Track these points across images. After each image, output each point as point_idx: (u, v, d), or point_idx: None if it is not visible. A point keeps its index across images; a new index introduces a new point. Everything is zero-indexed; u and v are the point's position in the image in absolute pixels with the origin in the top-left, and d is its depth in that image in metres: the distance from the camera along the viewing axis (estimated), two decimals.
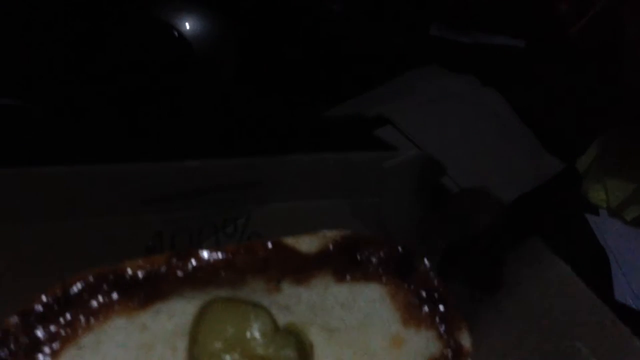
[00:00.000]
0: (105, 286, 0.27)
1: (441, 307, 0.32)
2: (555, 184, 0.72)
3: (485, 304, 0.36)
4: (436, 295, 0.32)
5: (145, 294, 0.28)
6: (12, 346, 0.25)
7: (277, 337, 0.28)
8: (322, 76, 0.80)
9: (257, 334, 0.28)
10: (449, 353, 0.30)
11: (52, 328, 0.26)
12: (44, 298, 0.26)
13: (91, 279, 0.27)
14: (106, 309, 0.27)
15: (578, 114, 0.80)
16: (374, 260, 0.33)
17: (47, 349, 0.25)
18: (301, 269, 0.31)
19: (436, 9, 0.97)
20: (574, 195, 0.72)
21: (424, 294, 0.32)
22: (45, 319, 0.26)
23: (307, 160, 0.36)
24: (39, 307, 0.26)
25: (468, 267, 0.37)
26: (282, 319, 0.30)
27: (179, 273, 0.29)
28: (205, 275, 0.29)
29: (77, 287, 0.27)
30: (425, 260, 0.34)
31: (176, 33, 0.45)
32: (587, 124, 0.79)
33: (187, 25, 0.45)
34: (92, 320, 0.26)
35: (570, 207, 0.70)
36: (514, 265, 0.35)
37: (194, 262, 0.29)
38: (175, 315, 0.28)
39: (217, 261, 0.30)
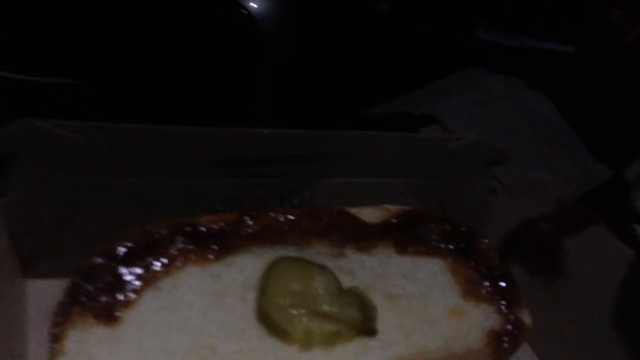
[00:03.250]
0: (182, 236, 0.28)
1: (502, 284, 0.32)
2: (602, 191, 0.71)
3: (544, 289, 0.36)
4: (496, 272, 0.33)
5: (218, 247, 0.29)
6: (97, 282, 0.26)
7: (342, 297, 0.29)
8: (370, 74, 0.81)
9: (322, 292, 0.29)
10: (510, 327, 0.30)
11: (134, 269, 0.27)
12: (127, 242, 0.27)
13: (169, 228, 0.28)
14: (183, 257, 0.28)
15: (628, 121, 0.79)
16: (435, 235, 0.33)
17: (129, 288, 0.26)
18: (364, 237, 0.32)
19: (483, 12, 0.97)
20: (620, 204, 0.71)
21: (484, 270, 0.33)
22: (128, 261, 0.27)
23: (371, 137, 0.37)
24: (122, 250, 0.27)
25: (528, 252, 0.37)
26: (345, 283, 0.30)
27: (249, 230, 0.30)
28: (273, 234, 0.30)
29: (157, 235, 0.28)
30: (486, 240, 0.34)
31: (245, 12, 0.46)
32: (637, 131, 0.77)
33: (254, 4, 0.47)
34: (169, 266, 0.28)
35: (617, 216, 0.69)
36: (576, 251, 0.35)
37: (263, 220, 0.30)
38: (245, 269, 0.29)
39: (284, 221, 0.31)
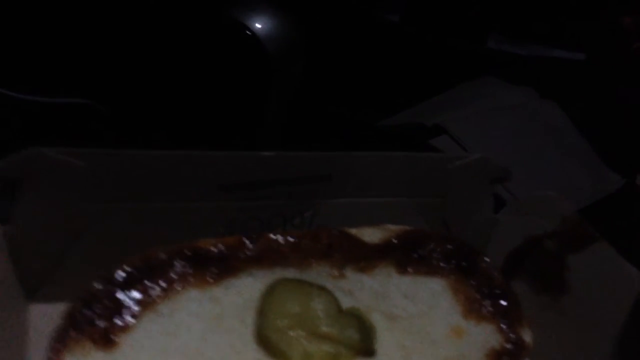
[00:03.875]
0: (181, 260, 0.29)
1: (502, 303, 0.32)
2: (615, 200, 0.70)
3: (549, 307, 0.36)
4: (497, 291, 0.32)
5: (217, 269, 0.29)
6: (96, 308, 0.26)
7: (341, 318, 0.29)
8: (380, 85, 0.81)
9: (321, 314, 0.29)
10: (510, 346, 0.30)
11: (133, 294, 0.27)
12: (126, 267, 0.28)
13: (169, 252, 0.29)
14: (182, 281, 0.28)
15: None
16: (436, 255, 0.33)
17: (127, 312, 0.27)
18: (364, 257, 0.32)
19: (494, 22, 0.97)
20: (633, 212, 0.71)
21: (485, 289, 0.32)
22: (127, 285, 0.27)
23: (376, 158, 0.37)
24: (121, 275, 0.27)
25: (532, 270, 0.37)
26: (345, 303, 0.30)
27: (249, 253, 0.30)
28: (273, 256, 0.31)
29: (156, 259, 0.28)
30: (486, 258, 0.34)
31: (249, 32, 0.46)
32: None
33: (259, 25, 0.47)
34: (168, 290, 0.28)
35: (630, 224, 0.68)
36: (581, 268, 0.34)
37: (263, 243, 0.30)
38: (244, 292, 0.29)
39: (284, 243, 0.31)
